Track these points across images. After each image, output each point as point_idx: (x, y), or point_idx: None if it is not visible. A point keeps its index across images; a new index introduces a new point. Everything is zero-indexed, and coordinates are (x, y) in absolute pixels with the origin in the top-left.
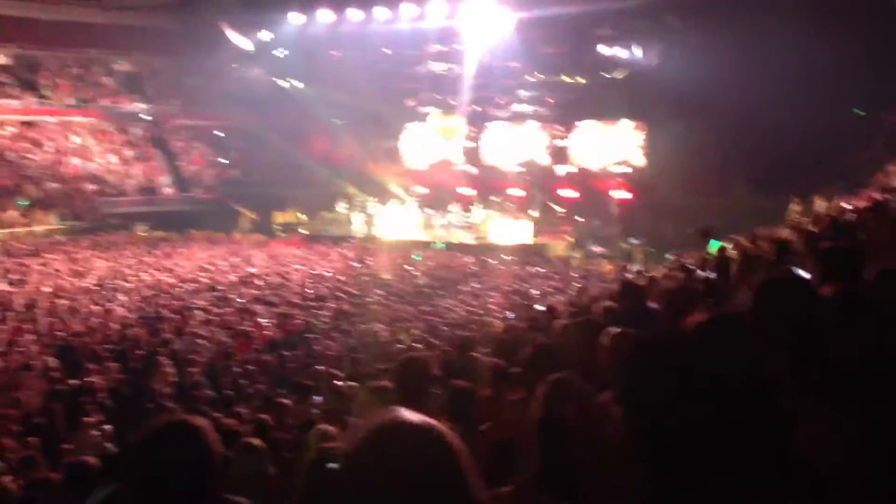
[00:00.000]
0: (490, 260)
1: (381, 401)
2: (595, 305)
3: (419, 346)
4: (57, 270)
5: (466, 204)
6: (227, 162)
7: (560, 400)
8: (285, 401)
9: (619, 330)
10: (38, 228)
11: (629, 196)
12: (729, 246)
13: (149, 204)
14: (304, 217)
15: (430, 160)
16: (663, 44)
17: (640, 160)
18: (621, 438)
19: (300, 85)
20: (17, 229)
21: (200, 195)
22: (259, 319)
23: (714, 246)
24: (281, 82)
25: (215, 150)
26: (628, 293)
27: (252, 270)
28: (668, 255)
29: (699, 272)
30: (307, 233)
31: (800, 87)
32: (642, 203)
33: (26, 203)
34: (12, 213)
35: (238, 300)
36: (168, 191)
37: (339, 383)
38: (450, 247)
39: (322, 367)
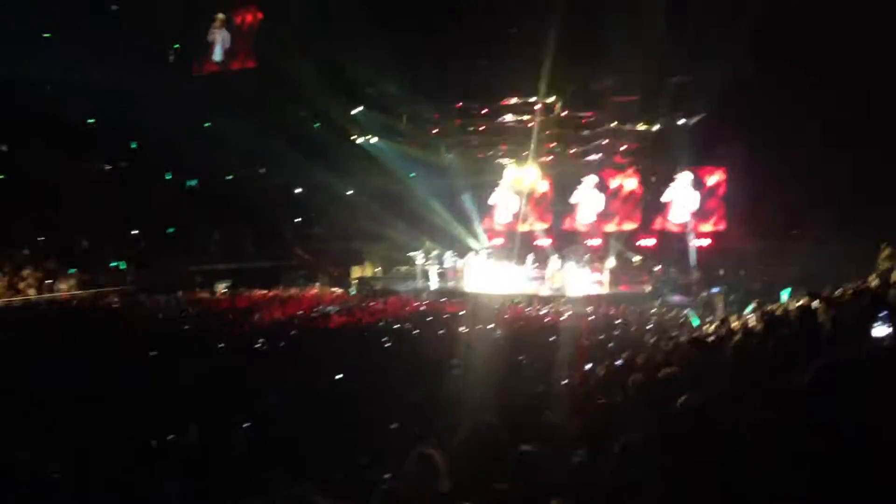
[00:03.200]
0: (568, 312)
1: None
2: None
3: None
4: None
5: (543, 255)
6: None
7: None
8: None
9: None
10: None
11: (708, 242)
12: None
13: (230, 261)
14: (379, 271)
15: (505, 211)
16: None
17: (719, 205)
18: None
19: (374, 139)
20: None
21: (281, 251)
22: None
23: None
24: (357, 137)
25: (294, 208)
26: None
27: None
28: (750, 304)
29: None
30: (379, 287)
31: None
32: (722, 250)
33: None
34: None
35: None
36: (249, 248)
37: None
38: (528, 299)
39: None
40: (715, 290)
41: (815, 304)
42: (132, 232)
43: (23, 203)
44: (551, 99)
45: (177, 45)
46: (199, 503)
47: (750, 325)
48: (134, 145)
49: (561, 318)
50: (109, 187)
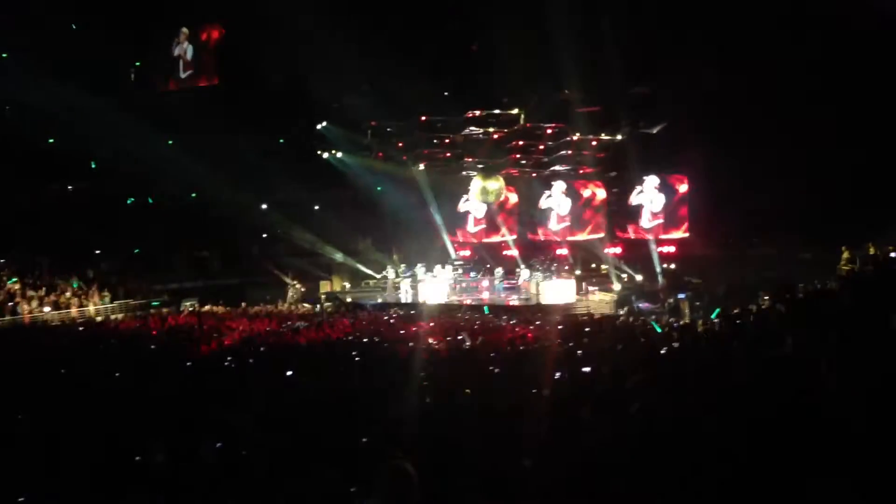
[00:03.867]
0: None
1: None
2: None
3: None
4: None
5: (511, 266)
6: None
7: None
8: None
9: None
10: (91, 308)
11: (672, 249)
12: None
13: (196, 279)
14: (347, 285)
15: (473, 223)
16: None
17: (683, 212)
18: None
19: (340, 154)
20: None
21: (246, 268)
22: None
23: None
24: (323, 153)
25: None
26: None
27: None
28: (717, 309)
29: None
30: (350, 300)
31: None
32: (687, 256)
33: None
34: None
35: None
36: (215, 266)
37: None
38: (494, 310)
39: None
40: (681, 296)
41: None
42: (95, 252)
43: None
44: (514, 111)
45: (138, 63)
46: None
47: (717, 330)
48: (94, 165)
49: (531, 328)
50: (72, 207)
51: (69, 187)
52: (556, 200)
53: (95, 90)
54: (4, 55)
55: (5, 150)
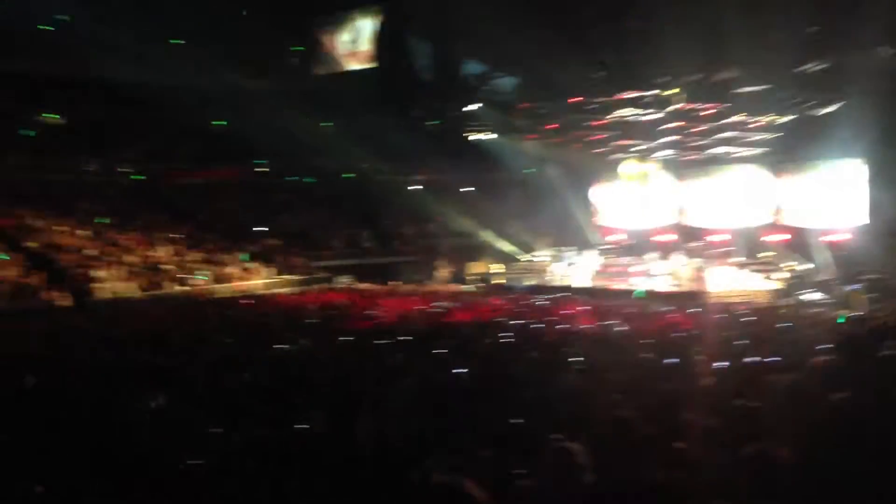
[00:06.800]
0: (693, 309)
1: None
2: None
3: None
4: None
5: (666, 251)
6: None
7: None
8: None
9: None
10: (257, 282)
11: (844, 237)
12: None
13: (351, 257)
14: (497, 267)
15: (624, 207)
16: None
17: (856, 198)
18: None
19: (491, 135)
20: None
21: (398, 247)
22: None
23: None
24: (472, 135)
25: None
26: None
27: None
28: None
29: None
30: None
31: None
32: (860, 245)
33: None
34: (233, 268)
35: None
36: (368, 245)
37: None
38: (650, 295)
39: None
40: (853, 286)
41: None
42: (256, 229)
43: (163, 201)
44: (671, 91)
45: (300, 47)
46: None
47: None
48: (256, 147)
49: (687, 315)
50: (234, 188)
51: (237, 168)
52: (714, 184)
53: (260, 74)
54: (181, 41)
55: (179, 133)
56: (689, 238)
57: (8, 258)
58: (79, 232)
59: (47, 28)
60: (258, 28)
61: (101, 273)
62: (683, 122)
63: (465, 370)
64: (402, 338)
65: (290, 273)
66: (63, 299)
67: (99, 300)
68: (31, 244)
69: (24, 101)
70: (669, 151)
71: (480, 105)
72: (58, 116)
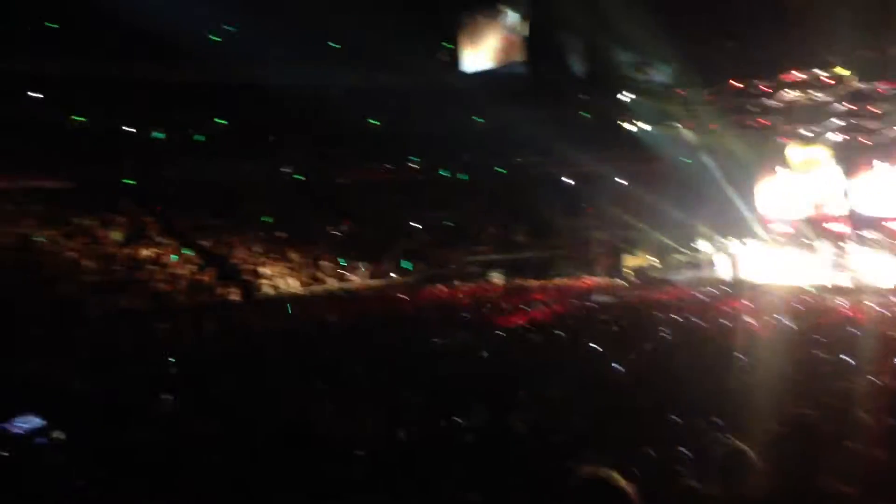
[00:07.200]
0: (870, 303)
1: None
2: None
3: None
4: None
5: (837, 242)
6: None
7: None
8: None
9: None
10: (409, 279)
11: None
12: None
13: (502, 251)
14: (654, 260)
15: (792, 196)
16: None
17: None
18: None
19: (645, 125)
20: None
21: (552, 241)
22: None
23: None
24: (626, 124)
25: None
26: None
27: None
28: None
29: None
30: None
31: None
32: None
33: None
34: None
35: None
36: (521, 239)
37: None
38: (822, 290)
39: None
40: None
41: None
42: (412, 224)
43: (321, 200)
44: (842, 71)
45: (449, 45)
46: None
47: None
48: (410, 145)
49: (862, 310)
50: (388, 185)
51: (391, 166)
52: (889, 169)
53: (411, 73)
54: (337, 45)
55: (336, 133)
56: (863, 227)
57: (179, 258)
58: (245, 231)
59: (215, 39)
60: (409, 27)
61: (266, 269)
62: (856, 105)
63: (623, 366)
64: (557, 332)
65: (444, 268)
66: (233, 294)
67: (264, 296)
68: (204, 243)
69: (197, 109)
70: (839, 136)
71: (633, 94)
72: (226, 122)
